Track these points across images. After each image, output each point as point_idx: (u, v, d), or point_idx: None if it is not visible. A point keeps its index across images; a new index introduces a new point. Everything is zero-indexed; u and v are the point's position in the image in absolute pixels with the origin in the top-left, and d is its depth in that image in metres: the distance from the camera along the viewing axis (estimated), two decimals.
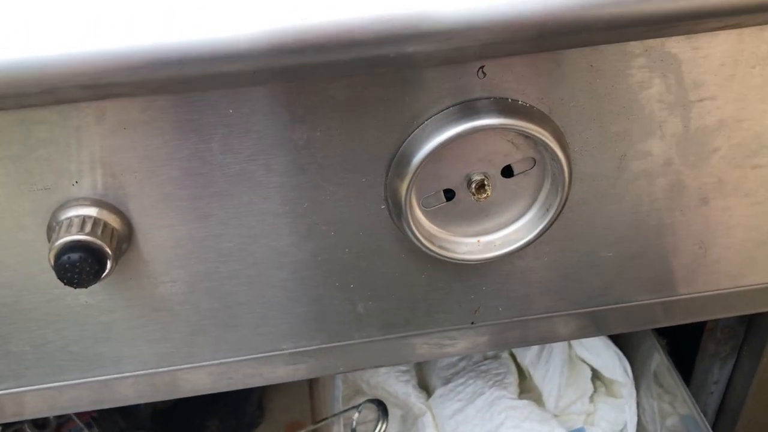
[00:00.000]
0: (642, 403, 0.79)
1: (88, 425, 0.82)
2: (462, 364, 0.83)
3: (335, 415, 0.71)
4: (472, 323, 0.54)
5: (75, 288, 0.41)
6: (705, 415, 0.70)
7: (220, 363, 0.52)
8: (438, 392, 0.80)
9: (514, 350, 0.82)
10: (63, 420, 0.84)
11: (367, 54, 0.37)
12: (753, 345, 0.69)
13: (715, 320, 0.68)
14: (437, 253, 0.47)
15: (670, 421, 0.77)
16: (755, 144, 0.47)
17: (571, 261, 0.51)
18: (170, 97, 0.40)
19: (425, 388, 0.83)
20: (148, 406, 0.78)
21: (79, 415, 0.83)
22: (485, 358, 0.83)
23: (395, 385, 0.80)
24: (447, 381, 0.81)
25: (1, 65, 0.35)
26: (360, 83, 0.41)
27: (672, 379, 0.73)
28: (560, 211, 0.46)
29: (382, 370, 0.82)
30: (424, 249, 0.47)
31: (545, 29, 0.37)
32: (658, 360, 0.75)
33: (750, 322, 0.68)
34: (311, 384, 0.92)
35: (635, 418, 0.78)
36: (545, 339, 0.57)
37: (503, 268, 0.51)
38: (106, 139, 0.41)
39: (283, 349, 0.52)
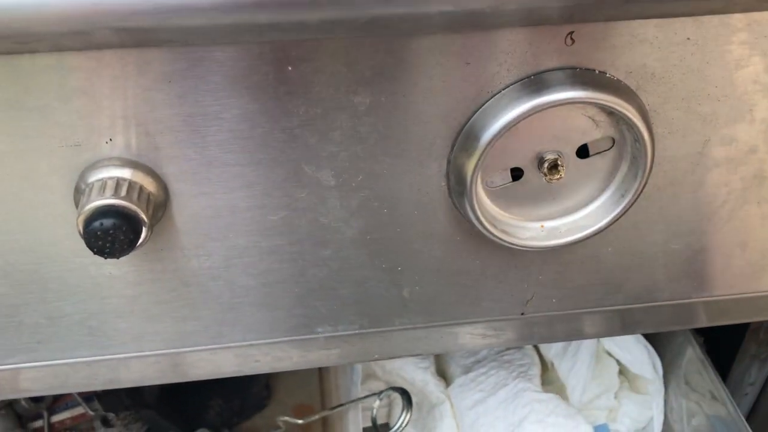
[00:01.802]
0: (669, 401, 0.76)
1: (89, 399, 0.78)
2: (483, 353, 0.79)
3: (353, 401, 0.68)
4: (522, 314, 0.50)
5: (105, 258, 0.37)
6: None
7: (250, 345, 0.48)
8: (458, 381, 0.76)
9: None
10: (60, 394, 0.80)
11: (452, 8, 0.33)
12: None
13: (760, 321, 0.65)
14: (498, 238, 0.43)
15: (696, 421, 0.74)
16: None
17: (636, 251, 0.47)
18: (223, 48, 0.35)
19: (443, 377, 0.79)
20: (153, 392, 0.74)
21: None
22: (508, 348, 0.79)
23: (413, 371, 0.77)
24: (467, 370, 0.77)
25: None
26: (434, 45, 0.37)
27: (706, 375, 0.70)
28: (637, 197, 0.42)
29: None
30: (484, 232, 0.43)
31: None
32: (691, 356, 0.72)
33: None
34: (321, 368, 0.88)
35: (662, 416, 0.75)
36: (597, 334, 0.53)
37: (564, 257, 0.47)
38: (147, 93, 0.36)
39: (319, 333, 0.48)
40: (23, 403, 0.78)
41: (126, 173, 0.38)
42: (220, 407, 0.81)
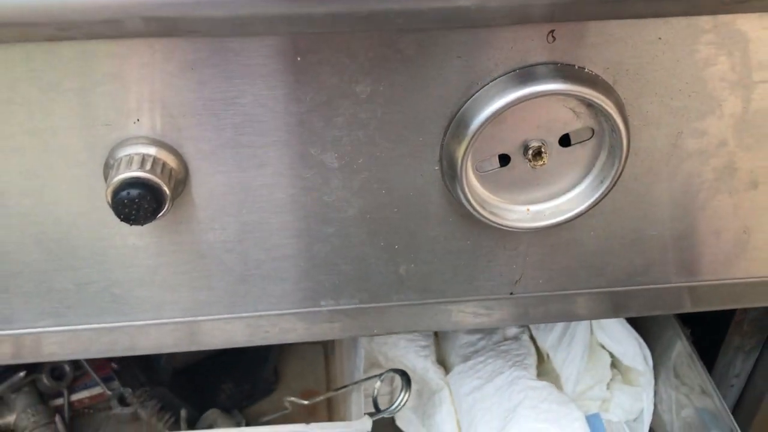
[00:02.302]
0: (659, 392, 0.79)
1: (108, 379, 0.83)
2: (482, 343, 0.83)
3: (356, 383, 0.71)
4: (511, 293, 0.54)
5: (131, 224, 0.42)
6: None
7: (260, 316, 0.52)
8: (457, 369, 0.80)
9: (535, 332, 0.82)
10: (80, 373, 0.85)
11: (442, 4, 0.37)
12: None
13: (744, 312, 0.68)
14: (487, 219, 0.47)
15: (685, 413, 0.77)
16: None
17: (617, 237, 0.51)
18: (242, 40, 0.40)
19: (443, 365, 0.83)
20: (168, 365, 0.78)
21: (98, 368, 0.83)
22: (505, 339, 0.83)
23: (414, 359, 0.81)
24: (466, 359, 0.81)
25: None
26: (428, 39, 0.41)
27: (694, 368, 0.73)
28: (614, 184, 0.46)
29: (402, 343, 0.82)
30: (474, 213, 0.47)
31: None
32: (680, 349, 0.76)
33: None
34: (327, 354, 0.92)
35: (652, 407, 0.79)
36: (581, 316, 0.57)
37: (549, 240, 0.51)
38: (172, 78, 0.41)
39: (322, 306, 0.52)
40: (45, 381, 0.82)
41: (151, 150, 0.42)
42: (231, 390, 0.85)
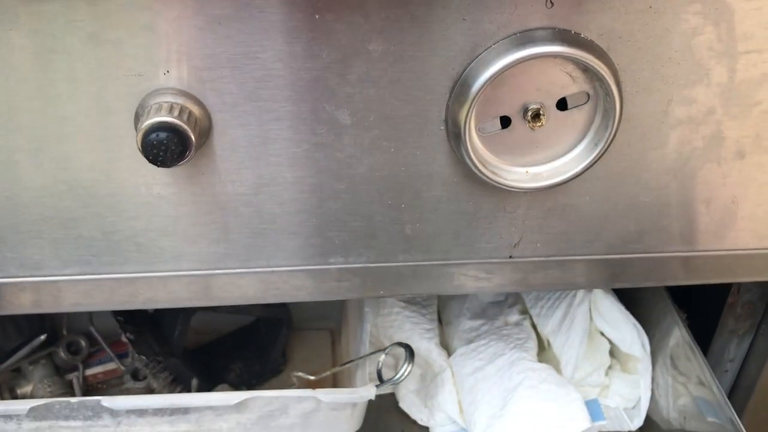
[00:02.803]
0: (657, 379, 0.81)
1: (122, 356, 0.86)
2: (484, 328, 0.85)
3: (362, 357, 0.74)
4: (510, 257, 0.57)
5: (158, 166, 0.45)
6: None
7: (272, 271, 0.55)
8: (459, 351, 0.83)
9: (536, 319, 0.85)
10: (95, 349, 0.88)
11: None
12: None
13: (737, 295, 0.71)
14: (488, 177, 0.50)
15: (682, 401, 0.79)
16: None
17: (611, 202, 0.54)
18: None
19: (446, 349, 0.86)
20: (182, 338, 0.81)
21: (113, 345, 0.86)
22: (507, 324, 0.85)
23: (418, 341, 0.83)
24: (469, 342, 0.83)
25: None
26: (438, 1, 0.45)
27: (693, 359, 0.75)
28: (608, 146, 0.50)
29: (406, 326, 0.84)
30: (476, 172, 0.50)
31: None
32: (678, 337, 0.78)
33: None
34: (333, 341, 0.95)
35: (649, 393, 0.81)
36: (578, 284, 0.60)
37: (546, 203, 0.54)
38: (200, 32, 0.45)
39: (332, 264, 0.56)
40: (62, 355, 0.85)
41: (179, 99, 0.46)
42: (241, 370, 0.88)
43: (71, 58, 0.45)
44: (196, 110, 0.47)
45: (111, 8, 0.43)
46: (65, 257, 0.53)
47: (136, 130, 0.46)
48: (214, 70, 0.46)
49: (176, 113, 0.45)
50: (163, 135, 0.44)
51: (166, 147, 0.44)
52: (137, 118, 0.47)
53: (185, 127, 0.45)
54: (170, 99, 0.46)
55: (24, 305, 0.56)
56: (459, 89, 0.48)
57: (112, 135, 0.48)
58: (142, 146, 0.45)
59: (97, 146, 0.48)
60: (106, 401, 0.65)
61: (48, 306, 0.56)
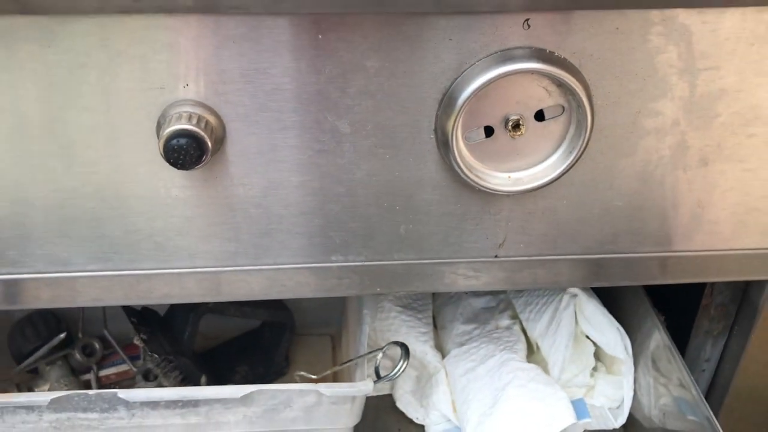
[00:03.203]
0: (639, 380, 0.86)
1: (134, 358, 0.90)
2: (476, 332, 0.90)
3: (360, 356, 0.79)
4: (496, 256, 0.62)
5: (178, 168, 0.50)
6: None
7: (278, 269, 0.61)
8: (452, 353, 0.87)
9: (525, 324, 0.90)
10: (108, 352, 0.93)
11: None
12: (743, 325, 0.76)
13: (710, 297, 0.76)
14: (474, 182, 0.56)
15: (663, 401, 0.84)
16: (750, 114, 0.56)
17: (586, 206, 0.59)
18: (273, 18, 0.49)
19: (440, 352, 0.90)
20: (191, 342, 0.86)
21: (125, 348, 0.91)
22: (497, 328, 0.90)
23: (414, 343, 0.88)
24: (461, 344, 0.88)
25: None
26: (426, 23, 0.50)
27: (673, 362, 0.79)
28: (581, 154, 0.55)
29: (403, 329, 0.89)
30: (463, 176, 0.55)
31: None
32: (658, 339, 0.83)
33: (741, 302, 0.75)
34: (334, 345, 1.00)
35: (632, 393, 0.85)
36: (561, 282, 0.65)
37: (527, 206, 0.59)
38: (217, 50, 0.50)
39: (333, 262, 0.61)
40: (77, 356, 0.90)
41: (197, 110, 0.52)
42: (246, 372, 0.93)
43: (100, 73, 0.50)
44: (212, 120, 0.52)
45: (137, 27, 0.49)
46: (89, 255, 0.58)
47: (158, 137, 0.52)
48: (228, 84, 0.52)
49: (195, 122, 0.51)
50: (183, 141, 0.50)
51: (186, 152, 0.50)
52: (159, 126, 0.52)
53: (203, 134, 0.50)
54: (189, 109, 0.51)
55: (49, 300, 0.61)
56: (447, 101, 0.53)
57: (136, 142, 0.53)
58: (163, 151, 0.50)
59: (121, 152, 0.54)
60: (122, 393, 0.70)
61: (70, 301, 0.61)
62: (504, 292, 0.94)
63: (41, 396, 0.70)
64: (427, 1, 0.48)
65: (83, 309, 0.89)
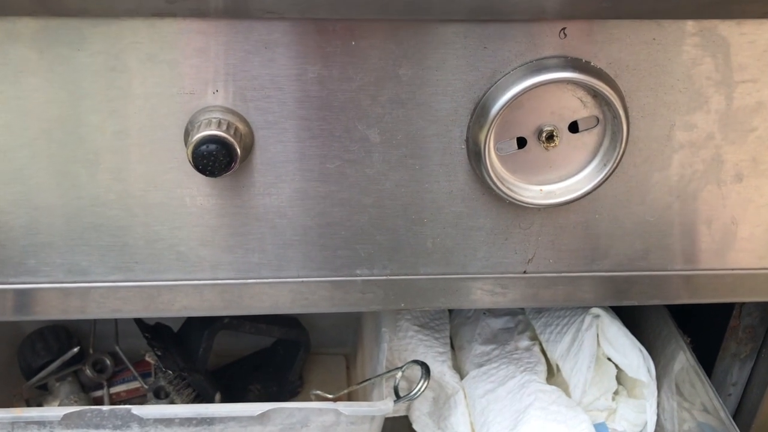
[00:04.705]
0: (662, 403, 0.84)
1: (145, 375, 0.89)
2: (495, 352, 0.88)
3: (379, 375, 0.77)
4: (525, 272, 0.61)
5: (206, 175, 0.49)
6: None
7: (302, 282, 0.59)
8: (471, 374, 0.86)
9: (545, 345, 0.88)
10: (119, 369, 0.91)
11: None
12: None
13: (738, 318, 0.74)
14: (505, 194, 0.55)
15: (687, 426, 0.82)
16: None
17: (618, 221, 0.58)
18: (306, 24, 0.49)
19: (459, 373, 0.89)
20: (205, 358, 0.84)
21: (137, 365, 0.89)
22: (517, 349, 0.89)
23: (432, 363, 0.86)
24: (480, 365, 0.86)
25: None
26: (461, 30, 0.50)
27: (699, 385, 0.78)
28: (615, 167, 0.54)
29: (420, 349, 0.88)
30: (495, 189, 0.54)
31: None
32: (683, 361, 0.81)
33: None
34: (348, 365, 0.98)
35: (655, 417, 0.83)
36: (586, 300, 0.63)
37: (559, 221, 0.58)
38: (248, 55, 0.49)
39: (357, 275, 0.59)
40: (88, 372, 0.88)
41: (226, 116, 0.51)
42: (259, 391, 0.91)
43: (130, 77, 0.50)
44: (241, 126, 0.51)
45: (168, 31, 0.48)
46: (110, 264, 0.57)
47: (185, 144, 0.51)
48: (258, 90, 0.51)
49: (224, 128, 0.50)
50: (212, 147, 0.49)
51: (215, 158, 0.49)
52: (187, 133, 0.51)
53: (232, 140, 0.49)
54: (219, 115, 0.50)
55: (66, 310, 0.60)
56: (479, 111, 0.52)
57: (163, 148, 0.52)
58: (192, 157, 0.49)
59: (147, 159, 0.53)
60: (136, 410, 0.68)
61: (88, 312, 0.60)
62: (522, 312, 0.93)
63: (54, 411, 0.68)
64: (462, 9, 0.47)
65: (95, 324, 0.88)
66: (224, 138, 0.49)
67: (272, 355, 0.94)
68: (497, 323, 0.93)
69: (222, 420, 0.70)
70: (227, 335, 0.86)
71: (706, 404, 0.77)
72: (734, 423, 0.71)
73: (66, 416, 0.68)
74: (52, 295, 0.59)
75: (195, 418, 0.70)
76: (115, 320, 0.87)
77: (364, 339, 0.90)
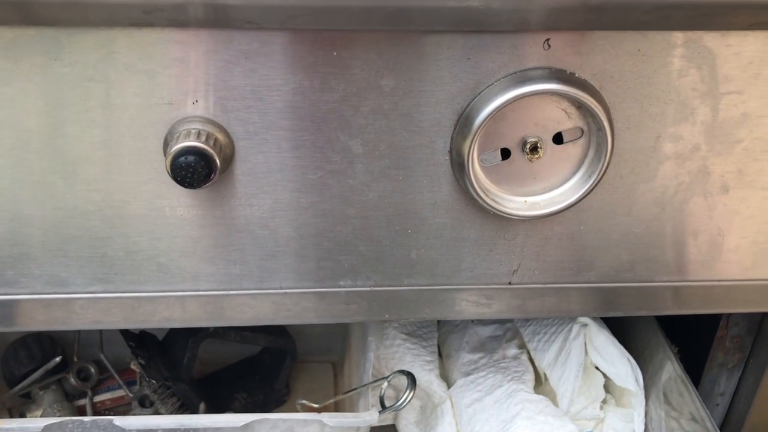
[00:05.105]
0: (650, 412, 0.83)
1: (131, 384, 0.88)
2: (483, 361, 0.88)
3: (365, 385, 0.77)
4: (509, 283, 0.60)
5: (185, 187, 0.49)
6: None
7: (284, 293, 0.59)
8: (458, 383, 0.85)
9: (533, 353, 0.88)
10: (104, 377, 0.90)
11: (454, 4, 0.45)
12: (759, 358, 0.74)
13: (725, 329, 0.74)
14: (489, 206, 0.54)
15: None
16: None
17: (603, 233, 0.58)
18: (287, 34, 0.48)
19: (446, 382, 0.88)
20: (190, 368, 0.83)
21: (121, 373, 0.88)
22: (505, 358, 0.88)
23: (419, 373, 0.85)
24: (467, 374, 0.86)
25: None
26: (444, 41, 0.49)
27: (686, 394, 0.77)
28: (600, 179, 0.53)
29: (407, 358, 0.87)
30: (478, 200, 0.54)
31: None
32: (671, 371, 0.80)
33: (757, 333, 0.73)
34: (336, 373, 0.98)
35: (643, 427, 0.83)
36: (573, 311, 0.63)
37: (543, 232, 0.58)
38: (228, 65, 0.49)
39: (341, 287, 0.59)
40: (72, 381, 0.87)
41: (206, 127, 0.50)
42: (245, 400, 0.90)
43: (108, 87, 0.49)
44: (221, 137, 0.50)
45: (147, 41, 0.48)
46: (89, 275, 0.56)
47: (164, 155, 0.50)
48: (238, 101, 0.50)
49: (203, 139, 0.49)
50: (191, 158, 0.48)
51: (194, 169, 0.48)
52: (166, 143, 0.51)
53: (211, 151, 0.49)
54: (198, 126, 0.50)
55: (46, 322, 0.59)
56: (463, 122, 0.52)
57: (142, 159, 0.52)
58: (171, 168, 0.48)
59: (126, 169, 0.52)
60: (118, 420, 0.67)
61: (68, 323, 0.59)
62: (511, 320, 0.92)
63: (34, 422, 0.67)
64: (445, 20, 0.46)
65: (79, 332, 0.87)
66: (203, 149, 0.48)
67: (258, 363, 0.93)
68: (485, 331, 0.92)
69: (206, 431, 0.69)
70: (213, 343, 0.85)
71: (694, 414, 0.76)
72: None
73: (47, 428, 0.67)
74: (31, 306, 0.58)
75: (178, 429, 0.69)
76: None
77: (352, 347, 0.89)
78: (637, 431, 0.83)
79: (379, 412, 0.71)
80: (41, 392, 0.85)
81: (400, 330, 0.90)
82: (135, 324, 0.60)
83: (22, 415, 0.84)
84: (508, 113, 0.51)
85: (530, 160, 0.53)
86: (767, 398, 0.75)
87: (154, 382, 0.78)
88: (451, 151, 0.53)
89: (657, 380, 0.83)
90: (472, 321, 0.93)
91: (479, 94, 0.51)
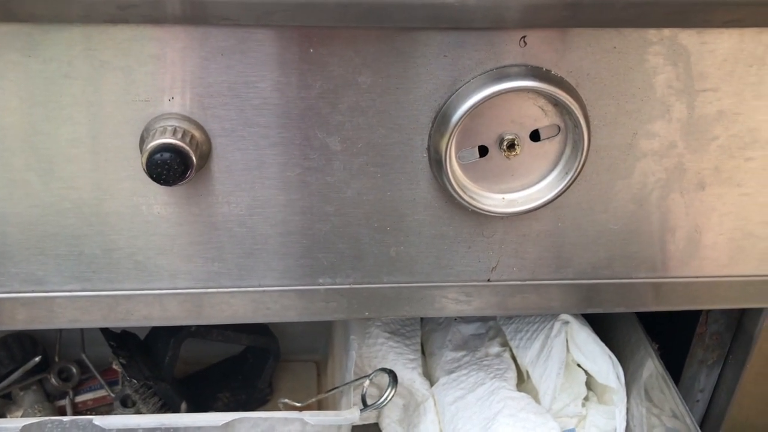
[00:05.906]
0: (631, 410, 0.84)
1: (113, 384, 0.87)
2: (466, 359, 0.88)
3: (347, 384, 0.76)
4: (489, 280, 0.60)
5: (161, 184, 0.49)
6: None
7: (263, 291, 0.58)
8: (441, 381, 0.85)
9: (516, 351, 0.88)
10: (85, 377, 0.90)
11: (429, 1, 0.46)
12: (738, 354, 0.75)
13: (705, 325, 0.74)
14: (467, 203, 0.54)
15: (656, 431, 0.82)
16: (749, 137, 0.55)
17: (581, 229, 0.58)
18: (263, 31, 0.48)
19: (429, 380, 0.88)
20: (171, 367, 0.83)
21: (103, 373, 0.88)
22: (487, 355, 0.88)
23: (402, 371, 0.86)
24: (450, 372, 0.86)
25: None
26: (421, 38, 0.49)
27: (667, 392, 0.78)
28: (577, 175, 0.54)
29: (390, 356, 0.87)
30: (455, 197, 0.54)
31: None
32: (651, 368, 0.81)
33: (736, 330, 0.74)
34: (319, 373, 0.97)
35: (624, 423, 0.83)
36: (553, 308, 0.63)
37: (521, 229, 0.58)
38: (204, 62, 0.49)
39: (320, 284, 0.59)
40: (53, 381, 0.87)
41: (182, 124, 0.50)
42: (228, 399, 0.90)
43: (83, 84, 0.49)
44: (197, 134, 0.50)
45: (122, 38, 0.47)
46: (66, 273, 0.56)
47: (141, 152, 0.50)
48: (215, 98, 0.50)
49: (179, 136, 0.49)
50: (166, 155, 0.48)
51: (169, 167, 0.48)
52: (142, 140, 0.51)
53: (187, 148, 0.48)
54: (174, 123, 0.50)
55: (24, 321, 0.59)
56: (440, 119, 0.52)
57: (118, 156, 0.51)
58: (146, 165, 0.48)
59: (102, 167, 0.52)
60: (98, 420, 0.67)
61: (46, 322, 0.59)
62: (493, 318, 0.92)
63: (12, 423, 0.67)
64: (422, 16, 0.46)
65: (60, 331, 0.86)
66: (179, 146, 0.48)
67: (241, 362, 0.93)
68: (468, 329, 0.93)
69: (186, 430, 0.69)
70: (196, 343, 0.84)
71: (674, 410, 0.77)
72: (699, 429, 0.71)
73: (25, 428, 0.66)
74: (8, 305, 0.57)
75: (159, 429, 0.69)
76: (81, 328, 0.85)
77: (335, 346, 0.89)
78: (618, 428, 0.84)
79: (361, 410, 0.71)
80: (22, 393, 0.85)
81: (383, 329, 0.90)
82: (114, 323, 0.59)
83: (2, 416, 0.83)
84: (485, 110, 0.51)
85: (507, 158, 0.53)
86: (746, 394, 0.75)
87: (135, 381, 0.77)
88: (429, 149, 0.53)
89: (638, 377, 0.83)
90: (455, 319, 0.93)
91: (456, 91, 0.51)
